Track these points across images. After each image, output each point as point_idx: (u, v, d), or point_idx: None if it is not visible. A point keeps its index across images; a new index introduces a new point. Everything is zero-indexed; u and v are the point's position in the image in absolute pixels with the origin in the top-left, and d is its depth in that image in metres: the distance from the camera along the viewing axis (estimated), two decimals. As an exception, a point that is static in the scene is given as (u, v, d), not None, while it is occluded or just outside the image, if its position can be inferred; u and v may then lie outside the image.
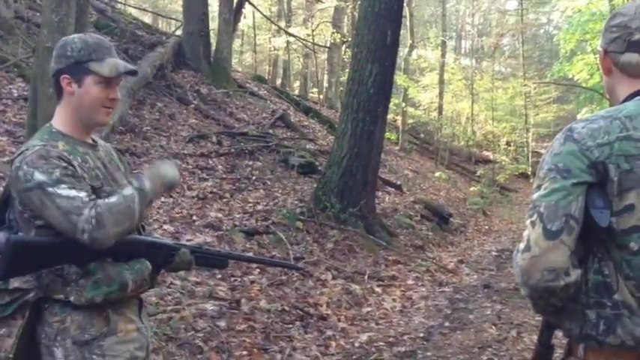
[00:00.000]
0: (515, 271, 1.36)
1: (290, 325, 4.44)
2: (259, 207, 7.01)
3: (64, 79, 1.82)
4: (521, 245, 1.33)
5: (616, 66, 1.46)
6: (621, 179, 1.30)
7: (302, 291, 5.20)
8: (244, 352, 3.85)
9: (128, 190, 1.76)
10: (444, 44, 26.24)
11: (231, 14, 11.76)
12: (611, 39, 1.45)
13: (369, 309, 5.31)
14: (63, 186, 1.67)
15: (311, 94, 22.61)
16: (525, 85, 26.11)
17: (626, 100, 1.43)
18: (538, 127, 28.57)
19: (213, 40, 11.89)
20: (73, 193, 1.67)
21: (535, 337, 4.68)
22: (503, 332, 4.76)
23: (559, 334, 1.49)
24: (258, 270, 5.32)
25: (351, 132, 7.29)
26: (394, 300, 5.69)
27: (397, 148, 18.77)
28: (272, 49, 23.15)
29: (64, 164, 1.72)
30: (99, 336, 1.78)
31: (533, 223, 1.32)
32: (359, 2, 10.62)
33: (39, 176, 1.67)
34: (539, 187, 1.35)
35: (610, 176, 1.30)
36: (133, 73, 1.98)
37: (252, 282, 5.07)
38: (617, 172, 1.30)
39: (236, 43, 29.42)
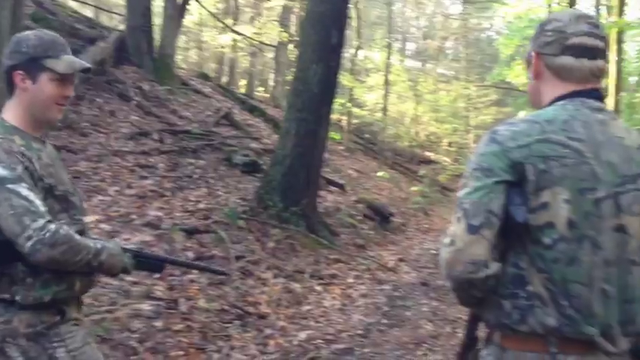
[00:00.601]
0: (440, 265, 1.45)
1: (229, 324, 4.44)
2: (201, 205, 6.95)
3: (18, 75, 1.81)
4: (446, 240, 1.42)
5: (549, 68, 1.54)
6: (538, 179, 1.38)
7: (242, 290, 5.19)
8: (181, 353, 3.83)
9: (93, 243, 1.80)
10: (389, 46, 26.61)
11: (176, 10, 11.59)
12: (547, 42, 1.53)
13: (309, 307, 5.35)
14: (24, 185, 1.68)
15: (257, 93, 22.51)
16: (467, 88, 26.79)
17: (551, 103, 1.53)
18: (478, 129, 29.28)
19: (157, 36, 11.69)
20: (31, 196, 1.68)
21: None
22: (439, 328, 4.90)
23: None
24: (196, 270, 5.28)
25: (295, 131, 7.32)
26: (334, 298, 5.76)
27: (342, 147, 18.90)
28: (218, 46, 22.93)
29: (27, 162, 1.73)
30: (53, 324, 1.80)
31: (458, 219, 1.41)
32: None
33: (1, 171, 1.67)
34: (465, 185, 1.44)
35: (527, 176, 1.39)
36: (87, 70, 1.97)
37: (192, 281, 5.02)
38: (534, 172, 1.38)
39: (181, 40, 29.04)
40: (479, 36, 37.73)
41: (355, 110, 22.70)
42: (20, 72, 1.81)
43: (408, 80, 28.08)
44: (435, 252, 9.08)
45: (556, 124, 1.43)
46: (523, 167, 1.39)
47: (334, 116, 24.14)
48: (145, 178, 7.31)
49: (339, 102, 20.90)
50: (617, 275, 1.42)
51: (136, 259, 1.99)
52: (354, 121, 23.63)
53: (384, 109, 25.42)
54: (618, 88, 12.94)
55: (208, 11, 16.73)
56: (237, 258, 5.78)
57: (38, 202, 1.68)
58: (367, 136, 25.56)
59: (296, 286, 5.70)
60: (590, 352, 1.40)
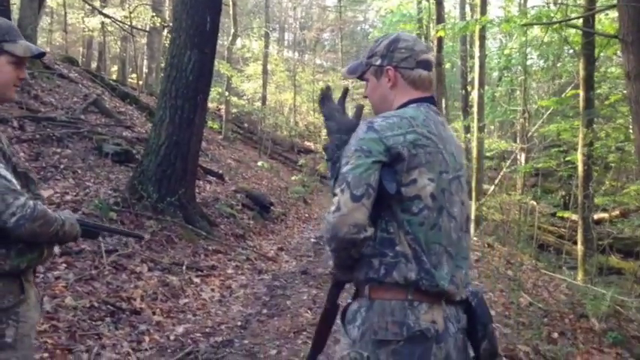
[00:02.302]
0: (325, 229, 1.69)
1: (99, 322, 4.17)
2: (67, 197, 6.50)
3: None
4: (332, 208, 1.68)
5: (405, 79, 1.90)
6: (409, 160, 1.72)
7: (114, 285, 4.91)
8: (46, 355, 3.54)
9: (57, 215, 2.01)
10: (267, 35, 26.51)
11: (36, -12, 10.72)
12: (403, 58, 1.90)
13: (187, 300, 5.18)
14: (1, 165, 1.85)
15: (130, 80, 21.53)
16: (344, 79, 27.32)
17: (402, 106, 1.88)
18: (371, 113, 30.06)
19: (16, 17, 10.77)
20: (9, 175, 1.86)
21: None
22: (318, 316, 4.91)
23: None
24: (64, 265, 4.93)
25: (170, 119, 7.05)
26: (213, 290, 5.63)
27: (220, 137, 18.63)
28: (86, 29, 21.62)
29: None
30: (16, 303, 1.93)
31: (342, 190, 1.67)
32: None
33: None
34: (347, 163, 1.71)
35: (402, 157, 1.72)
36: (42, 55, 2.08)
37: (57, 278, 4.67)
38: (408, 155, 1.72)
39: (45, 22, 27.07)
40: (354, 29, 38.71)
41: (234, 99, 22.41)
42: None
43: (286, 70, 28.16)
44: (314, 240, 9.18)
45: (419, 120, 1.80)
46: (398, 151, 1.71)
47: (213, 105, 23.90)
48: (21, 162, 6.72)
49: (217, 91, 20.62)
50: (457, 239, 1.82)
51: (81, 227, 2.18)
52: (233, 110, 23.35)
53: (263, 99, 25.34)
54: (481, 83, 13.73)
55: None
56: (109, 252, 5.47)
57: (15, 181, 1.87)
58: (246, 125, 25.37)
59: (173, 279, 5.49)
60: (437, 302, 1.74)
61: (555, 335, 5.00)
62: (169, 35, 15.66)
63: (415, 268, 1.71)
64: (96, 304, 4.40)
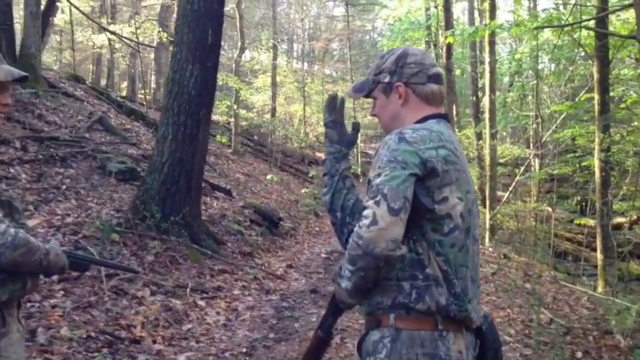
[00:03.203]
0: (356, 245, 1.54)
1: (96, 354, 3.96)
2: (69, 219, 6.33)
3: None
4: (366, 221, 1.54)
5: (417, 95, 1.82)
6: (442, 177, 1.64)
7: (114, 312, 4.71)
8: (36, 392, 3.34)
9: (42, 244, 1.92)
10: (275, 47, 26.43)
11: (39, 7, 10.63)
12: (413, 73, 1.82)
13: (190, 326, 4.96)
14: None
15: (140, 96, 21.49)
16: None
17: (418, 122, 1.79)
18: (366, 129, 29.91)
19: (20, 36, 10.71)
20: None
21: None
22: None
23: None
24: (62, 292, 4.74)
25: (173, 136, 6.87)
26: (218, 313, 5.40)
27: (230, 151, 18.46)
28: (94, 47, 21.64)
29: None
30: None
31: (377, 203, 1.54)
32: None
33: None
34: (379, 174, 1.60)
35: (437, 172, 1.63)
36: (25, 79, 2.04)
37: (54, 306, 4.48)
38: (441, 171, 1.64)
39: (54, 40, 27.20)
40: (363, 37, 38.59)
41: (243, 112, 22.28)
42: None
43: (295, 81, 28.04)
44: (325, 256, 8.94)
45: (445, 135, 1.72)
46: (433, 166, 1.62)
47: (222, 119, 23.82)
48: (5, 191, 6.55)
49: (226, 104, 20.50)
50: (477, 263, 1.78)
51: (69, 259, 2.10)
52: (243, 123, 23.22)
53: (273, 111, 25.20)
54: (492, 88, 13.48)
55: (76, 8, 15.57)
56: (109, 276, 5.27)
57: None
58: (257, 138, 25.23)
59: (176, 303, 5.28)
60: (460, 330, 1.67)
61: (579, 355, 4.73)
62: (175, 50, 15.62)
63: (445, 292, 1.64)
64: (93, 334, 4.19)
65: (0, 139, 7.81)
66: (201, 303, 5.55)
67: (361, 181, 18.63)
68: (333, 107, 1.98)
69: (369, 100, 1.97)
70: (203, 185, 9.58)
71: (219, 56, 7.31)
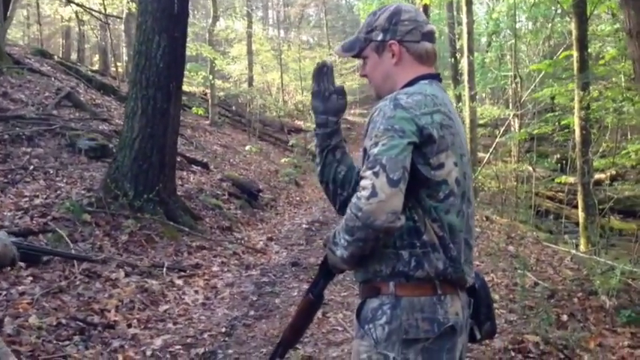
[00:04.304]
0: (354, 216, 1.50)
1: (67, 342, 3.78)
2: (37, 201, 6.10)
3: None
4: (365, 192, 1.49)
5: (410, 54, 1.74)
6: (439, 142, 1.58)
7: (86, 297, 4.53)
8: (3, 387, 3.17)
9: None
10: (249, 15, 25.88)
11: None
12: (407, 30, 1.73)
13: (168, 306, 4.80)
14: None
15: (114, 69, 20.94)
16: (330, 55, 26.77)
17: (410, 83, 1.71)
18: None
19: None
20: None
21: (341, 315, 4.52)
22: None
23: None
24: (30, 278, 4.54)
25: (142, 111, 6.61)
26: (196, 292, 5.25)
27: (207, 122, 18.14)
28: (62, 20, 20.98)
29: None
30: None
31: (376, 174, 1.48)
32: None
33: None
34: (376, 143, 1.53)
35: (433, 139, 1.57)
36: None
37: (22, 294, 4.27)
38: (437, 137, 1.58)
39: (21, 15, 26.34)
40: (339, 2, 37.98)
41: (219, 83, 21.87)
42: None
43: (271, 49, 27.59)
44: (306, 226, 8.80)
45: (439, 99, 1.65)
46: (429, 132, 1.56)
47: (198, 90, 23.37)
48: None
49: (202, 75, 20.09)
50: (472, 225, 1.74)
51: (20, 251, 1.92)
52: (220, 94, 22.83)
53: (250, 80, 24.80)
54: (470, 49, 13.29)
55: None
56: (81, 259, 5.08)
57: None
58: (234, 108, 24.85)
59: (152, 284, 5.11)
60: (456, 290, 1.67)
61: (565, 318, 4.66)
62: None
63: (442, 257, 1.61)
64: (64, 321, 4.01)
65: (-38, 120, 7.50)
66: (179, 282, 5.39)
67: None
68: (322, 75, 1.86)
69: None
70: (179, 160, 9.35)
71: (187, 26, 7.02)
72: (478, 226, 8.35)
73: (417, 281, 1.62)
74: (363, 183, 1.51)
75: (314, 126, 1.88)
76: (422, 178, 1.58)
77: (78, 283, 4.71)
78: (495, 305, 4.70)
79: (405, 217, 1.55)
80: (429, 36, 1.77)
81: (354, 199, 1.53)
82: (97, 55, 26.29)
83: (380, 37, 1.75)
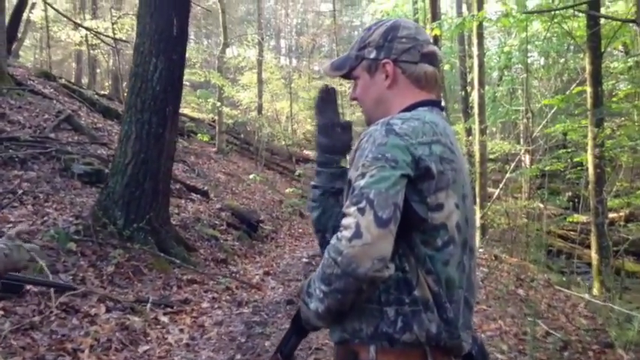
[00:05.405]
0: (333, 261, 1.26)
1: (30, 387, 3.46)
2: (21, 227, 5.79)
3: None
4: (347, 233, 1.26)
5: (407, 76, 1.51)
6: (438, 179, 1.34)
7: (59, 334, 4.19)
8: None
9: None
10: (260, 43, 25.89)
11: (2, 1, 10.04)
12: (404, 49, 1.50)
13: (148, 347, 4.45)
14: None
15: (126, 94, 20.86)
16: (341, 85, 26.67)
17: (406, 110, 1.47)
18: (355, 126, 29.36)
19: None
20: None
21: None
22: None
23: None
24: (1, 312, 4.21)
25: (136, 135, 6.35)
26: (182, 331, 4.90)
27: (214, 149, 17.92)
28: (74, 44, 21.00)
29: None
30: None
31: (361, 210, 1.26)
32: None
33: None
34: (363, 174, 1.31)
35: (432, 174, 1.33)
36: None
37: (-11, 330, 3.96)
38: (436, 172, 1.34)
39: (34, 38, 26.54)
40: (350, 33, 38.06)
41: (227, 110, 21.73)
42: None
43: (282, 78, 27.55)
44: (306, 260, 8.45)
45: (439, 128, 1.41)
46: (427, 165, 1.33)
47: (207, 117, 23.26)
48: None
49: (211, 102, 19.99)
50: (473, 280, 1.47)
51: None
52: (229, 121, 22.69)
53: (259, 108, 24.69)
54: (481, 83, 13.05)
55: (47, 4, 14.94)
56: (59, 291, 4.75)
57: None
58: (242, 136, 24.67)
59: (134, 320, 4.76)
60: (449, 358, 1.41)
61: (579, 373, 4.28)
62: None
63: (436, 318, 1.35)
64: (30, 363, 3.68)
65: (-47, 141, 7.26)
66: (164, 319, 5.04)
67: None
68: (327, 104, 1.66)
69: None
70: (178, 187, 9.09)
71: (185, 48, 6.79)
72: (486, 266, 7.97)
73: (403, 346, 1.35)
74: (345, 221, 1.28)
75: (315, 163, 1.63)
76: (417, 219, 1.33)
77: (53, 318, 4.38)
78: (503, 357, 4.32)
79: (394, 266, 1.31)
80: (430, 57, 1.54)
81: (333, 241, 1.29)
82: (109, 80, 26.34)
83: (373, 55, 1.53)
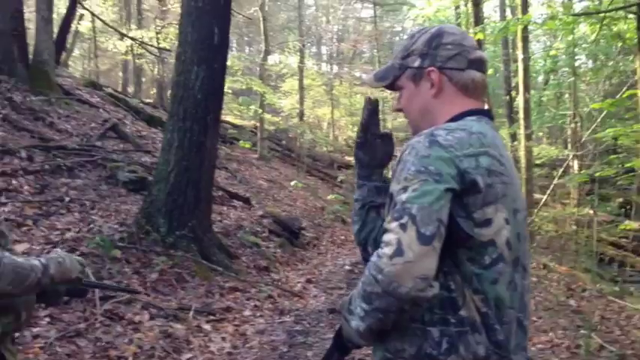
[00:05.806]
0: (374, 279, 1.22)
1: (73, 395, 3.47)
2: (68, 235, 5.89)
3: None
4: (387, 250, 1.21)
5: (453, 83, 1.44)
6: (485, 193, 1.29)
7: (104, 341, 4.22)
8: None
9: (36, 262, 1.67)
10: (301, 50, 26.00)
11: (51, 12, 10.31)
12: (450, 56, 1.44)
13: (190, 355, 4.44)
14: None
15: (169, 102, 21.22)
16: (382, 91, 26.52)
17: (453, 119, 1.41)
18: (397, 132, 29.21)
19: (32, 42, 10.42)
20: None
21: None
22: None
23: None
24: (48, 319, 4.27)
25: (179, 143, 6.39)
26: (224, 339, 4.87)
27: (255, 156, 18.03)
28: (119, 54, 21.50)
29: None
30: None
31: (403, 226, 1.21)
32: None
33: None
34: (405, 188, 1.26)
35: (478, 187, 1.28)
36: None
37: (36, 337, 4.01)
38: (484, 185, 1.28)
39: (81, 48, 27.29)
40: (391, 39, 37.88)
41: (268, 117, 21.86)
42: None
43: (323, 84, 27.60)
44: (349, 268, 8.36)
45: (488, 139, 1.35)
46: (473, 178, 1.28)
47: (249, 124, 23.45)
48: (3, 204, 6.16)
49: (253, 109, 20.17)
50: (527, 301, 1.39)
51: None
52: (271, 128, 22.84)
53: (301, 115, 24.76)
54: (527, 87, 12.75)
55: (93, 14, 15.32)
56: (104, 298, 4.79)
57: None
58: (284, 142, 24.79)
59: (177, 328, 4.77)
60: None
61: (636, 391, 4.06)
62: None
63: (484, 340, 1.28)
64: (74, 371, 3.71)
65: (5, 149, 7.45)
66: (207, 327, 5.03)
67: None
68: (373, 117, 1.59)
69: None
70: (220, 194, 9.14)
71: (226, 57, 6.81)
72: (534, 275, 7.72)
73: None
74: (386, 237, 1.23)
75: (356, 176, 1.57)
76: (462, 236, 1.27)
77: (98, 325, 4.41)
78: (555, 372, 4.14)
79: (438, 285, 1.24)
80: (478, 64, 1.47)
81: (373, 258, 1.24)
82: (154, 88, 26.87)
83: (417, 64, 1.47)
